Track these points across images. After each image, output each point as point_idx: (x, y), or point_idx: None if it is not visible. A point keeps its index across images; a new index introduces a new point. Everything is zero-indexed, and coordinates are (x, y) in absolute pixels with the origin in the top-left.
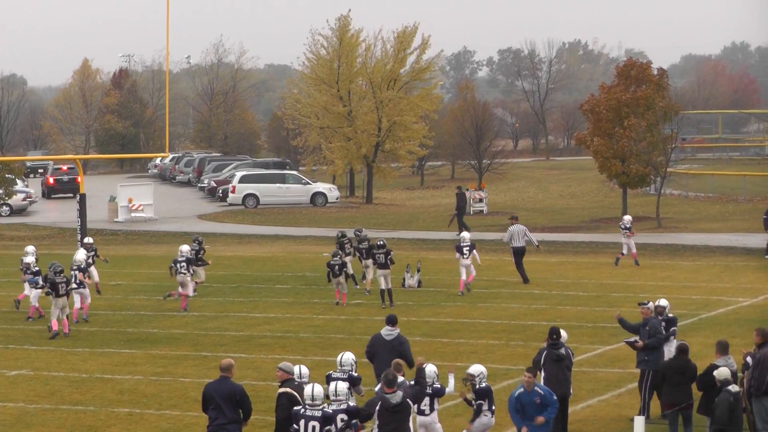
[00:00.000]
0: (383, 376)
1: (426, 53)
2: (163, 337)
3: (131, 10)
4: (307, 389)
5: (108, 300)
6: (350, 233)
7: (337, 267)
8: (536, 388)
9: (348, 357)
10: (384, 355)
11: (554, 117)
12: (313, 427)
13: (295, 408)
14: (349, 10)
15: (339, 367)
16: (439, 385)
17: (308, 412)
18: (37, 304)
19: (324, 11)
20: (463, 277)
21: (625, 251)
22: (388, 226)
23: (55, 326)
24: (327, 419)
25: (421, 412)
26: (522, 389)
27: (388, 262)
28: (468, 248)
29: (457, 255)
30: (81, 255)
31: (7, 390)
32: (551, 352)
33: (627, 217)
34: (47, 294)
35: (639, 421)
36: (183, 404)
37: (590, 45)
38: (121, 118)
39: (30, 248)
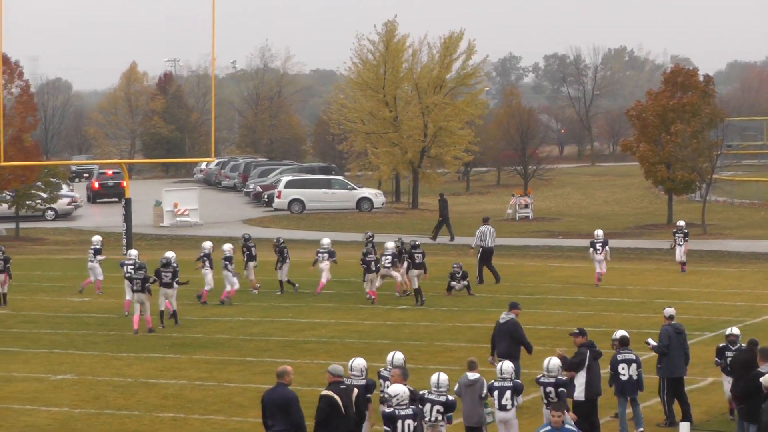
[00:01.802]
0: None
1: (472, 59)
2: (207, 342)
3: (176, 16)
4: (433, 377)
5: (153, 305)
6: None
7: (372, 263)
8: (566, 426)
9: (395, 356)
10: (501, 338)
11: (599, 123)
12: (438, 411)
13: (421, 391)
14: (395, 16)
15: (389, 366)
16: (519, 381)
17: (431, 397)
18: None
19: (370, 17)
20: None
21: (677, 258)
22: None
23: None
24: (448, 406)
25: (502, 407)
26: (548, 428)
27: (424, 261)
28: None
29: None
30: (134, 251)
31: (52, 395)
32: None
33: (681, 223)
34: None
35: (684, 427)
36: (227, 409)
37: (635, 51)
38: (167, 122)
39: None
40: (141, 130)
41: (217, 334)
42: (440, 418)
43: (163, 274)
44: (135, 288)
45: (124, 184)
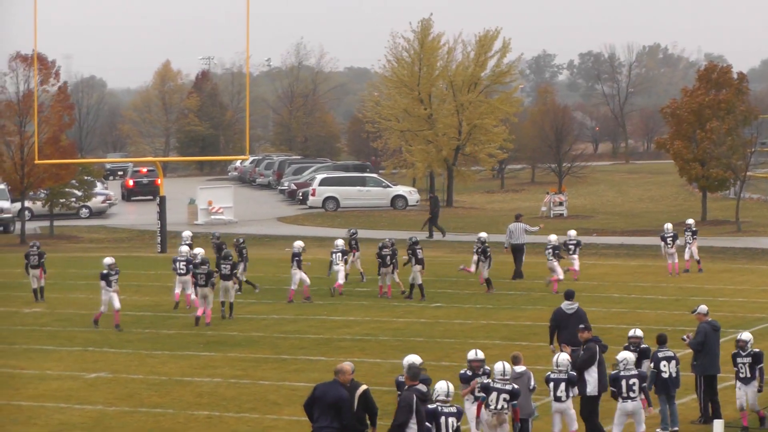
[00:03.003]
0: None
1: (506, 57)
2: (242, 340)
3: (210, 13)
4: (498, 366)
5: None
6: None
7: (388, 257)
8: None
9: (476, 353)
10: (571, 326)
11: (634, 121)
12: (504, 399)
13: (486, 380)
14: (431, 14)
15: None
16: (574, 373)
17: (497, 385)
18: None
19: (405, 15)
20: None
21: (687, 256)
22: (469, 229)
23: (198, 312)
24: (514, 394)
25: (557, 399)
26: None
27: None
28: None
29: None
30: (185, 248)
31: (87, 393)
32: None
33: (691, 221)
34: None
35: (718, 425)
36: (262, 407)
37: (670, 49)
38: (201, 120)
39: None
40: (175, 127)
41: (251, 332)
42: (506, 406)
43: (223, 266)
44: (199, 283)
45: (159, 181)
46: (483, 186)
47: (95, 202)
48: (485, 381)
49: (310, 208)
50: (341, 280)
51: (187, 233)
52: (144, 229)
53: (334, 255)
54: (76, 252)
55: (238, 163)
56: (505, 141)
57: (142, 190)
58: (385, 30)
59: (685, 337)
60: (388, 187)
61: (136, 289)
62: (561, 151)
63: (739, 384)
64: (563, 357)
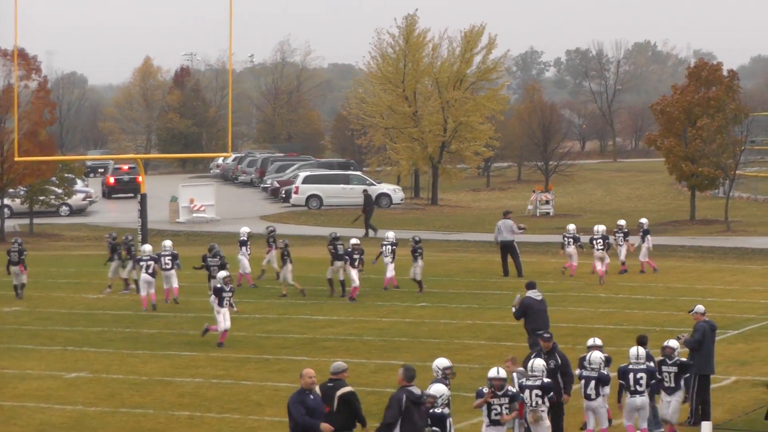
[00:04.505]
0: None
1: (492, 53)
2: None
3: (193, 9)
4: (531, 362)
5: (179, 302)
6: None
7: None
8: None
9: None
10: (539, 314)
11: (622, 118)
12: (537, 395)
13: (519, 380)
14: (416, 10)
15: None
16: (605, 372)
17: (528, 382)
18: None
19: (390, 10)
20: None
21: (622, 257)
22: (454, 228)
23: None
24: (545, 388)
25: (587, 397)
26: None
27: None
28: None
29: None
30: (148, 247)
31: (66, 392)
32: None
33: (622, 222)
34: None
35: (706, 427)
36: (245, 408)
37: (659, 46)
38: (183, 117)
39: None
40: (157, 124)
41: (234, 332)
42: (540, 402)
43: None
44: (213, 274)
45: (140, 179)
46: (469, 184)
47: (76, 199)
48: (520, 381)
49: (293, 206)
50: (390, 273)
51: (245, 229)
52: (125, 227)
53: (384, 248)
54: (57, 250)
55: (220, 161)
56: (491, 139)
57: (124, 188)
58: (370, 26)
59: (680, 336)
60: (373, 185)
61: (118, 286)
62: (548, 149)
63: (663, 394)
64: (596, 355)
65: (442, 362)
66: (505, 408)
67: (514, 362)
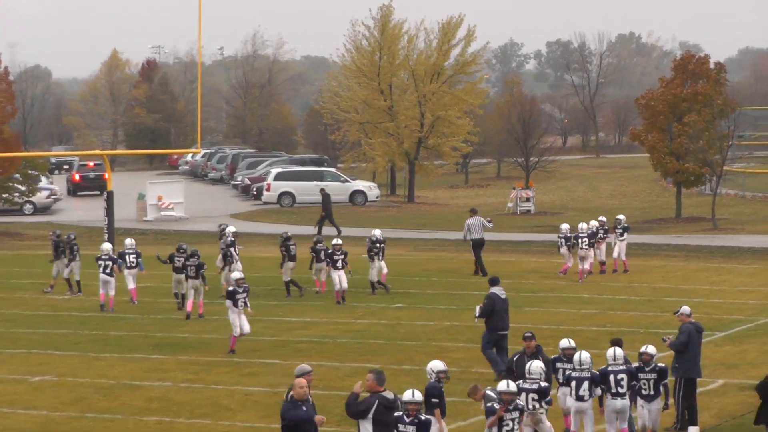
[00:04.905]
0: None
1: (471, 45)
2: (194, 342)
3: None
4: (526, 365)
5: (137, 303)
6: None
7: (322, 252)
8: None
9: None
10: (503, 311)
11: (605, 113)
12: (533, 398)
13: (517, 381)
14: (391, 0)
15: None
16: (597, 373)
17: (525, 385)
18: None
19: (364, 1)
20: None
21: (615, 254)
22: (431, 226)
23: (189, 307)
24: (542, 392)
25: (580, 398)
26: None
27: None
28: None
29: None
30: (107, 245)
31: (31, 397)
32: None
33: (621, 216)
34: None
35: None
36: (215, 413)
37: (643, 38)
38: (151, 112)
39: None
40: (124, 119)
41: (204, 334)
42: (537, 405)
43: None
44: (189, 275)
45: (106, 176)
46: (446, 181)
47: (40, 197)
48: (490, 404)
49: (265, 203)
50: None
51: (230, 228)
52: (91, 225)
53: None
54: (21, 249)
55: (189, 157)
56: (469, 134)
57: (89, 185)
58: (345, 17)
59: (665, 338)
60: (347, 182)
61: (83, 288)
62: (528, 145)
63: (641, 402)
64: (586, 355)
65: (436, 365)
66: (517, 422)
67: (474, 392)
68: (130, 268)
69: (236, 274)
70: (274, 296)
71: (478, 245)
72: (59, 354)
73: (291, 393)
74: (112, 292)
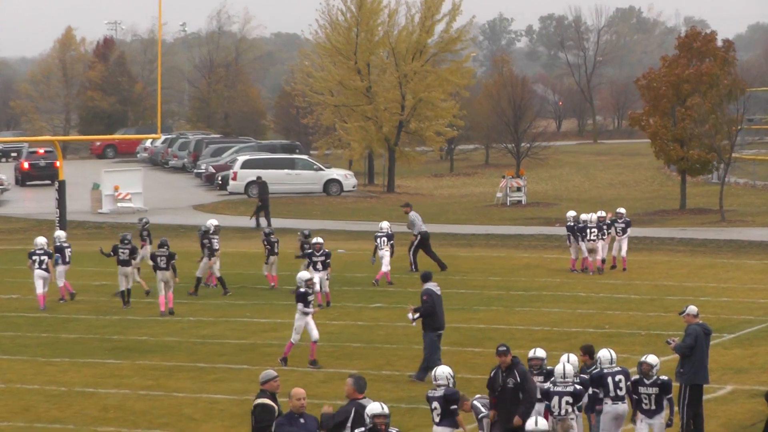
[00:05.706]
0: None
1: (456, 21)
2: (153, 346)
3: None
4: (558, 367)
5: (91, 303)
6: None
7: (276, 245)
8: None
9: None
10: (440, 309)
11: (603, 94)
12: (567, 402)
13: (546, 385)
14: None
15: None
16: (581, 387)
17: (558, 389)
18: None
19: None
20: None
21: (614, 253)
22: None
23: (162, 306)
24: (577, 396)
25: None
26: None
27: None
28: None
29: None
30: (42, 239)
31: None
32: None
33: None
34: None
35: None
36: (177, 422)
37: (645, 12)
38: (107, 94)
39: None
40: (77, 102)
41: (164, 337)
42: (570, 410)
43: (121, 250)
44: (159, 266)
45: (58, 164)
46: (430, 169)
47: None
48: (545, 386)
49: (231, 194)
50: (386, 267)
51: (212, 221)
52: (42, 218)
53: (379, 240)
54: None
55: (148, 143)
56: (455, 117)
57: (39, 174)
58: None
59: (670, 340)
60: (321, 170)
61: (32, 287)
62: (519, 130)
63: (641, 417)
64: (569, 368)
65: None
66: None
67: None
68: (66, 264)
69: (305, 274)
70: (241, 295)
71: (426, 238)
72: (6, 358)
73: (265, 403)
74: (45, 289)
